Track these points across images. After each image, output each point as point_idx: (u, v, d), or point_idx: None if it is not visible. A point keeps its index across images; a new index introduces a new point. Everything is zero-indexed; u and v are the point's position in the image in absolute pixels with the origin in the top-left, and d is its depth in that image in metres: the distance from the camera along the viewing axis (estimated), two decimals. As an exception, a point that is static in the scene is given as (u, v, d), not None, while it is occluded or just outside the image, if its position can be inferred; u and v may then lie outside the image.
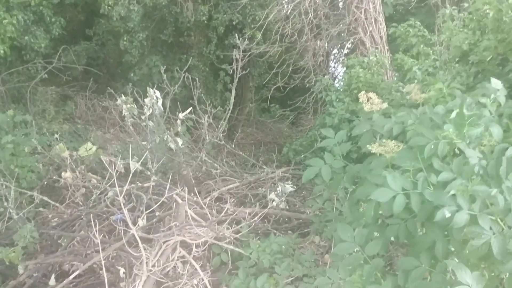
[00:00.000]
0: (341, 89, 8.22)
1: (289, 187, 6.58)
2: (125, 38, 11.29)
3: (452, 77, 5.85)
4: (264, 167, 8.10)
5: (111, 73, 13.27)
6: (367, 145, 2.44)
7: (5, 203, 5.94)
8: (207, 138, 7.38)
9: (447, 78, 5.95)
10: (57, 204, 6.88)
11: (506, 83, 5.12)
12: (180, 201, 5.64)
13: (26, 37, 10.16)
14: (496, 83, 2.63)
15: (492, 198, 2.06)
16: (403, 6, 11.34)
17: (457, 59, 6.34)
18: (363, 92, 2.59)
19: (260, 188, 7.20)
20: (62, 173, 7.32)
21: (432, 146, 2.21)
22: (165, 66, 7.85)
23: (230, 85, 8.89)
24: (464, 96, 2.48)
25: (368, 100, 2.58)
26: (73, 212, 6.68)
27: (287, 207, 6.63)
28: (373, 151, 2.37)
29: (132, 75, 11.82)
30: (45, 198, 6.82)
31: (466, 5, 6.68)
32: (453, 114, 2.36)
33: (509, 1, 5.21)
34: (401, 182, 2.24)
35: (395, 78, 8.01)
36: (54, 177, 7.35)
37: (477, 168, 2.17)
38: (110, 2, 10.85)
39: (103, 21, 12.22)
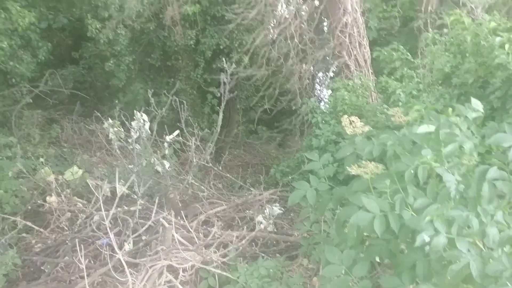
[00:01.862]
0: (327, 111, 8.31)
1: (276, 210, 6.57)
2: (111, 62, 11.32)
3: (436, 99, 5.97)
4: (252, 189, 8.09)
5: (98, 96, 13.24)
6: (347, 167, 2.48)
7: (-13, 229, 5.85)
8: (194, 160, 7.37)
9: (430, 100, 6.07)
10: (41, 229, 6.77)
11: (488, 105, 5.24)
12: (166, 224, 5.60)
13: (11, 63, 10.12)
14: (476, 103, 2.69)
15: (468, 221, 2.10)
16: (387, 30, 11.60)
17: (440, 82, 6.46)
18: (345, 116, 2.63)
19: (247, 211, 7.18)
20: (47, 198, 7.23)
21: (412, 171, 2.25)
22: (152, 90, 7.89)
23: (218, 107, 8.95)
24: (438, 117, 2.54)
25: (350, 123, 2.62)
26: (57, 237, 6.58)
27: (275, 230, 6.62)
28: (353, 173, 2.41)
29: (118, 99, 11.82)
30: (29, 223, 6.70)
31: (446, 30, 6.85)
32: (424, 132, 2.41)
33: (485, 26, 5.37)
34: (379, 204, 2.27)
35: (380, 101, 8.13)
36: (39, 201, 7.25)
37: (454, 192, 2.21)
38: (97, 26, 10.91)
39: (90, 44, 12.26)
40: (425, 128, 2.36)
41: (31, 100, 10.67)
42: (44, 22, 11.72)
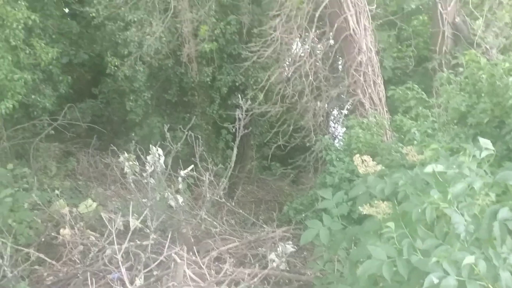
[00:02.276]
0: (341, 149, 8.30)
1: (289, 248, 6.49)
2: (130, 98, 11.56)
3: (451, 138, 5.93)
4: (265, 226, 8.03)
5: (115, 130, 13.46)
6: (359, 207, 2.46)
7: (0, 261, 5.85)
8: (208, 195, 7.38)
9: (446, 139, 6.03)
10: (54, 262, 6.76)
11: (504, 145, 5.20)
12: (178, 260, 5.55)
13: (33, 96, 10.41)
14: (485, 142, 2.67)
15: (477, 264, 2.06)
16: (401, 70, 11.69)
17: (455, 121, 6.45)
18: (357, 155, 2.64)
19: (260, 248, 7.10)
20: (61, 230, 7.26)
21: (420, 210, 2.23)
22: (168, 125, 8.00)
23: (232, 143, 9.01)
24: (447, 156, 2.53)
25: (362, 162, 2.63)
26: (69, 270, 6.55)
27: (288, 268, 6.52)
28: (364, 213, 2.40)
29: (135, 133, 11.99)
30: (42, 256, 6.71)
31: (461, 69, 6.88)
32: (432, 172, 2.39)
33: (501, 66, 5.39)
34: (386, 250, 2.25)
35: (395, 139, 8.11)
36: (53, 233, 7.28)
37: (463, 233, 2.17)
38: (116, 63, 11.23)
39: (109, 80, 12.57)
40: (432, 167, 2.35)
41: (53, 132, 10.89)
42: (65, 57, 12.14)
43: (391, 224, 2.29)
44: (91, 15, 11.50)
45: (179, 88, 12.45)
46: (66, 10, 13.37)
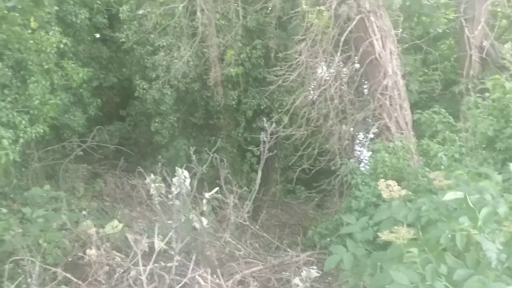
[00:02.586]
0: (367, 173, 8.23)
1: (314, 272, 6.39)
2: (157, 120, 11.77)
3: (479, 163, 5.84)
4: (289, 250, 7.96)
5: (142, 152, 13.67)
6: (379, 233, 2.44)
7: (29, 279, 5.96)
8: (232, 218, 7.38)
9: (474, 164, 5.93)
10: (80, 282, 6.84)
11: (535, 171, 5.08)
12: (202, 282, 5.56)
13: (66, 116, 10.72)
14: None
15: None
16: (428, 93, 11.58)
17: (483, 146, 6.35)
18: (382, 179, 2.63)
19: (284, 272, 7.03)
20: (87, 250, 7.35)
21: (450, 236, 2.19)
22: (194, 147, 8.09)
23: (257, 166, 9.03)
24: (467, 182, 2.49)
25: (387, 187, 2.61)
26: (94, 290, 6.62)
27: (312, 293, 6.42)
28: (384, 238, 2.37)
29: (161, 155, 12.15)
30: (68, 275, 6.80)
31: (488, 94, 6.80)
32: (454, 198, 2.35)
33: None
34: (408, 276, 2.21)
35: (421, 164, 8.00)
36: (79, 253, 7.38)
37: (495, 261, 2.11)
38: (145, 86, 11.48)
39: (137, 103, 12.84)
40: (453, 194, 2.32)
41: (81, 153, 11.15)
42: (95, 81, 12.50)
43: (414, 250, 2.25)
44: (121, 40, 11.87)
45: (205, 111, 12.61)
46: (97, 35, 13.79)
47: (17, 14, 8.58)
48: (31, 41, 9.06)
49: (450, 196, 2.35)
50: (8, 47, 8.68)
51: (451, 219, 2.36)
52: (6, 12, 8.33)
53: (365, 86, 10.87)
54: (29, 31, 9.21)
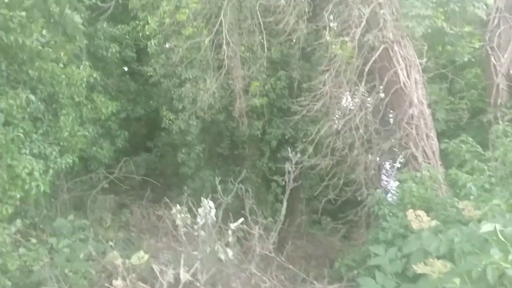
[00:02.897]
0: (394, 203, 8.09)
1: (341, 305, 6.27)
2: (183, 151, 11.90)
3: (510, 193, 5.68)
4: (315, 282, 7.82)
5: (168, 183, 13.79)
6: (413, 265, 2.38)
7: (56, 310, 6.01)
8: (257, 249, 7.33)
9: (505, 195, 5.78)
10: (106, 313, 6.86)
11: None
12: (227, 315, 5.49)
13: (94, 148, 10.96)
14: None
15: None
16: (455, 122, 11.43)
17: (514, 175, 6.20)
18: (410, 210, 2.59)
19: (310, 305, 6.90)
20: (113, 281, 7.37)
21: (480, 269, 2.13)
22: (219, 177, 8.13)
23: (282, 196, 8.99)
24: (503, 213, 2.43)
25: (416, 218, 2.57)
26: (120, 322, 6.61)
27: (339, 327, 6.27)
28: (419, 271, 2.31)
29: (187, 185, 12.24)
30: (95, 306, 6.84)
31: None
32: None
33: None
34: None
35: (450, 194, 7.84)
36: (106, 284, 7.41)
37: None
38: (171, 117, 11.69)
39: (164, 134, 13.05)
40: (489, 226, 2.26)
41: (107, 185, 11.32)
42: (123, 113, 12.77)
43: (457, 280, 2.18)
44: (148, 74, 12.17)
45: (230, 142, 12.71)
46: (125, 69, 14.18)
47: (50, 49, 8.93)
48: (63, 76, 9.39)
49: (487, 228, 2.28)
50: (41, 81, 9.00)
51: (483, 251, 2.29)
52: (40, 48, 8.69)
53: (390, 116, 10.81)
54: (61, 65, 9.56)
